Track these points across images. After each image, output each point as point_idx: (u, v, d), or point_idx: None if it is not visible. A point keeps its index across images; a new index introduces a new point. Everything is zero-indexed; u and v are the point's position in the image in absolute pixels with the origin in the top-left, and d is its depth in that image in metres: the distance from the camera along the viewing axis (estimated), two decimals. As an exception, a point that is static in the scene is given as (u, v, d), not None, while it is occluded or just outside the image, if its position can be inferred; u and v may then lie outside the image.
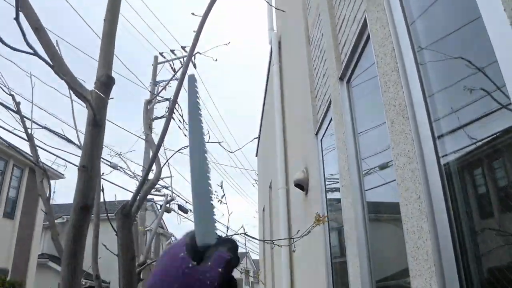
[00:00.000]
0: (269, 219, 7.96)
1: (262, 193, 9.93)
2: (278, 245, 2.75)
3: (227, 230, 2.58)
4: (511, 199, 1.61)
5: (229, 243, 0.64)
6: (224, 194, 2.81)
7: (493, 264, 1.77)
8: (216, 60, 4.00)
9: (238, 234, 2.83)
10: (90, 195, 1.26)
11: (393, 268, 2.78)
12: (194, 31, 1.50)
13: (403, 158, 2.20)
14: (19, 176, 16.81)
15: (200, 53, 3.55)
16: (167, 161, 2.76)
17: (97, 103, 1.24)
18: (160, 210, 23.85)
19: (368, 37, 2.71)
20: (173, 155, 2.77)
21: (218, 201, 2.81)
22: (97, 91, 1.22)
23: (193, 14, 1.53)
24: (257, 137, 3.30)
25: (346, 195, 3.26)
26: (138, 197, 2.10)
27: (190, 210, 20.38)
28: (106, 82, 1.28)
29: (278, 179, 5.94)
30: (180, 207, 20.31)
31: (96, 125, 1.26)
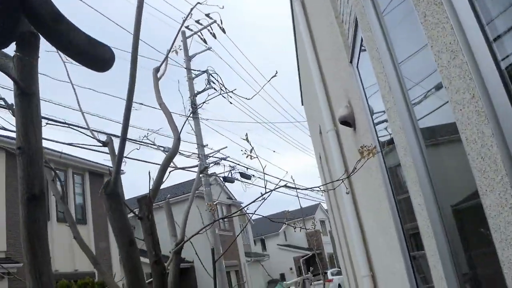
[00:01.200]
0: (326, 166, 7.64)
1: (315, 141, 9.58)
2: (324, 190, 2.43)
3: (265, 186, 2.30)
4: None
5: None
6: (253, 148, 2.52)
7: None
8: (222, 8, 3.66)
9: (280, 187, 2.55)
10: (35, 182, 1.01)
11: (461, 188, 2.40)
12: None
13: (445, 54, 1.80)
14: (81, 182, 17.29)
15: (200, 3, 3.22)
16: (182, 127, 2.49)
17: (21, 68, 0.98)
18: (223, 182, 24.09)
19: None
20: (186, 120, 2.50)
21: (247, 156, 2.52)
22: (18, 54, 0.96)
23: None
24: (275, 75, 2.97)
25: (393, 119, 2.87)
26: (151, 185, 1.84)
27: (253, 175, 20.38)
28: (28, 41, 0.97)
29: (325, 122, 5.57)
30: (243, 174, 20.35)
31: (24, 94, 1.00)
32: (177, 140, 2.43)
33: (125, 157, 2.29)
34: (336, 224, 8.89)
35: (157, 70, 3.15)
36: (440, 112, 2.58)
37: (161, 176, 2.14)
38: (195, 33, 17.25)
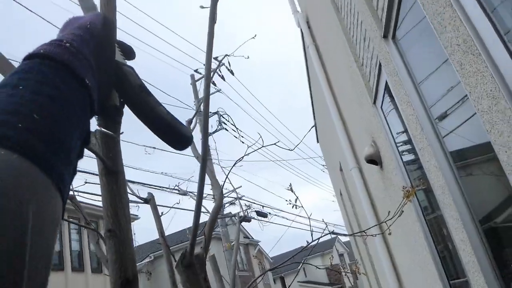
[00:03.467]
0: (349, 202, 7.64)
1: (334, 177, 9.61)
2: (371, 235, 2.47)
3: (311, 234, 2.34)
4: None
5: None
6: (297, 197, 2.57)
7: None
8: (248, 58, 3.78)
9: (326, 234, 2.59)
10: (128, 265, 0.96)
11: (501, 213, 2.45)
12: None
13: (486, 100, 1.88)
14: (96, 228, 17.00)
15: (228, 55, 3.34)
16: (225, 180, 2.55)
17: (106, 144, 0.94)
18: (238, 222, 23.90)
19: (403, -20, 2.39)
20: (231, 169, 2.58)
21: (293, 206, 2.57)
22: (102, 129, 0.91)
23: (202, 7, 1.32)
24: (313, 126, 3.14)
25: (427, 158, 2.94)
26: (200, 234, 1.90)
27: (269, 213, 20.27)
28: (111, 115, 0.93)
29: (347, 160, 5.63)
30: (259, 213, 20.23)
31: (112, 173, 0.96)
32: (221, 194, 2.48)
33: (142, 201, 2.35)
34: (363, 258, 8.80)
35: (189, 122, 3.25)
36: (476, 147, 2.65)
37: (210, 232, 2.18)
38: (203, 76, 17.54)
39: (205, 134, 1.44)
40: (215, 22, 1.27)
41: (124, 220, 0.98)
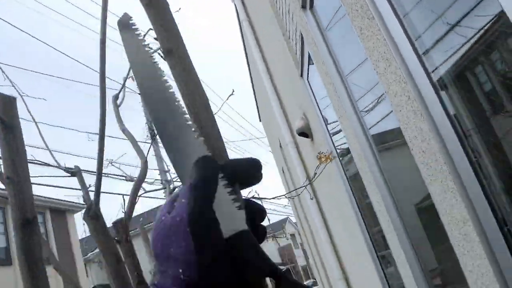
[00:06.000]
0: (290, 178, 7.81)
1: (277, 156, 9.77)
2: (289, 197, 2.57)
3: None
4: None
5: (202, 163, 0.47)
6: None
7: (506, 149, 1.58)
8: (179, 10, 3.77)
9: (252, 198, 2.66)
10: (27, 207, 1.07)
11: (415, 187, 2.60)
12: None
13: (382, 63, 1.98)
14: (42, 221, 16.34)
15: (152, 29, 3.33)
16: (148, 150, 2.57)
17: (3, 104, 1.11)
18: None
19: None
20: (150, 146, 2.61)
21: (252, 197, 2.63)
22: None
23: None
24: (232, 94, 3.17)
25: (346, 126, 3.06)
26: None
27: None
28: None
29: (283, 135, 5.74)
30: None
31: (8, 128, 1.10)
32: (145, 163, 2.50)
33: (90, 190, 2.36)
34: (307, 236, 9.05)
35: (116, 97, 3.23)
36: (388, 118, 2.78)
37: (134, 199, 2.21)
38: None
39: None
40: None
41: (21, 169, 1.10)
